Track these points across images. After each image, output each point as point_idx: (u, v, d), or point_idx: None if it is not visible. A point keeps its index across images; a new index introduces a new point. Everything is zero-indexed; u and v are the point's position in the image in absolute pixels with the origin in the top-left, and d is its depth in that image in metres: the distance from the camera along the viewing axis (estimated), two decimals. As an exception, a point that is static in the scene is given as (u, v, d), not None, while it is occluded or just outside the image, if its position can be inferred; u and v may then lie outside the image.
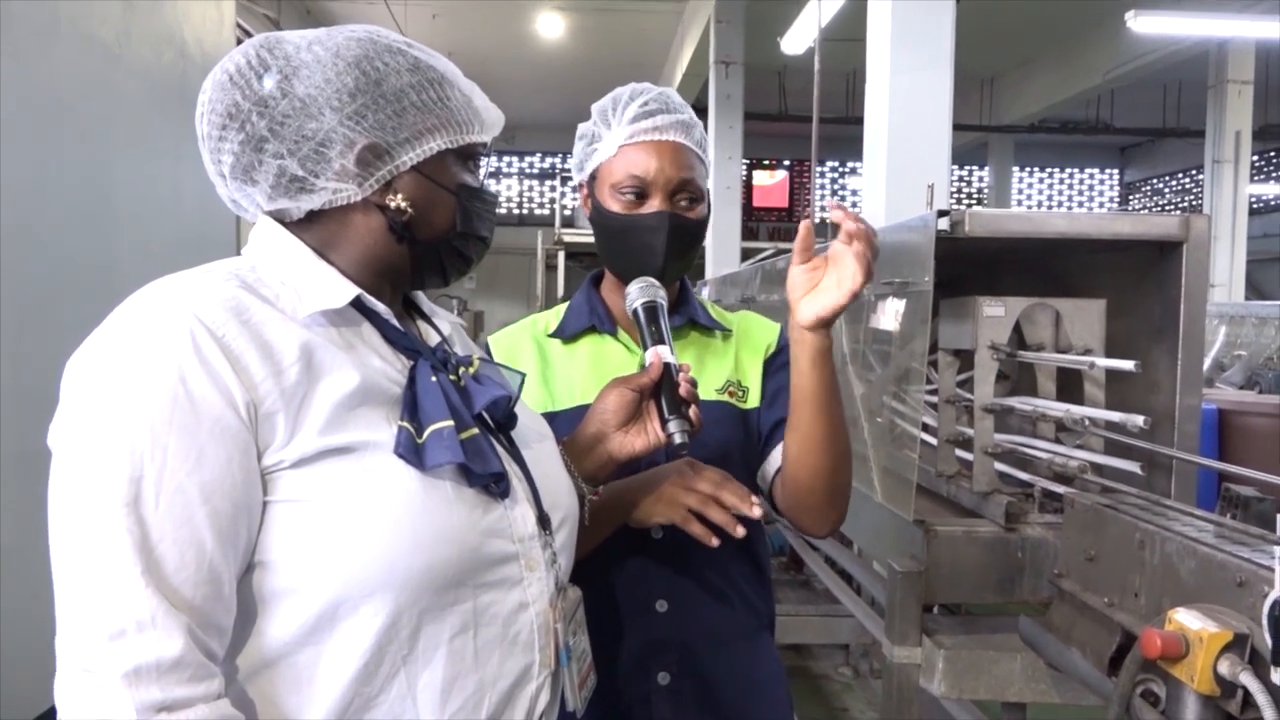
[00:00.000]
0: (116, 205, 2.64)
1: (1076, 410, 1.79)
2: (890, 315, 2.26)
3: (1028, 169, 19.14)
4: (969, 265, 2.43)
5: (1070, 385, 2.07)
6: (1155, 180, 19.12)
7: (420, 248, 0.95)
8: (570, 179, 16.49)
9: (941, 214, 1.86)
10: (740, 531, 1.11)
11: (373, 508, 0.80)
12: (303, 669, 0.81)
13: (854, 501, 2.40)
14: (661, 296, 1.24)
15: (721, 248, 9.60)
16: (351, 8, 11.90)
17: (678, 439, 1.10)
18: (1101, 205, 19.66)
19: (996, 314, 1.94)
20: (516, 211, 20.25)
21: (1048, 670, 1.81)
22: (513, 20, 12.03)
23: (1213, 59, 10.42)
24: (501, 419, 0.98)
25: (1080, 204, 19.66)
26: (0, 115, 2.16)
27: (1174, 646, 1.24)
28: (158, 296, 0.80)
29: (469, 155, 0.98)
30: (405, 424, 0.84)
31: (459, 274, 1.02)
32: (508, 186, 20.24)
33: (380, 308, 0.92)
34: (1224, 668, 1.21)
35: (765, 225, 17.89)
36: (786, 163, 18.64)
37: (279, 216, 0.93)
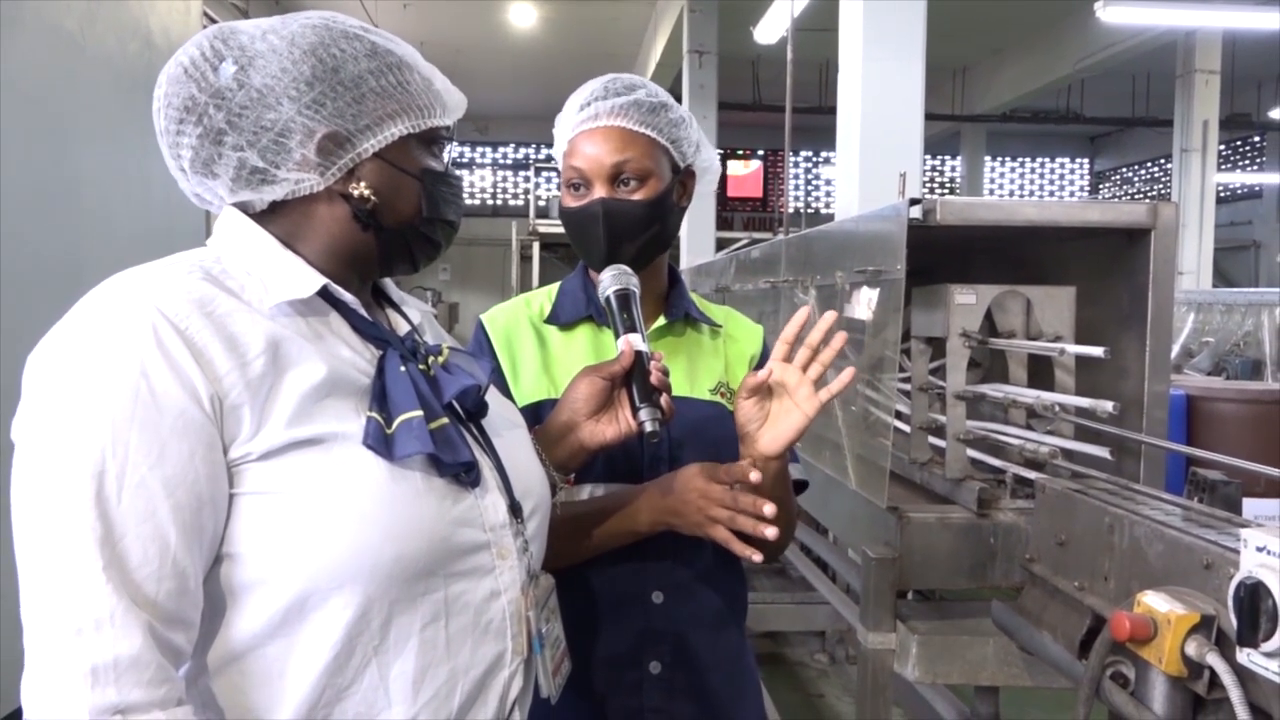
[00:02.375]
0: (82, 198, 2.60)
1: (1047, 396, 1.81)
2: (864, 305, 2.28)
3: (999, 158, 19.29)
4: (941, 254, 2.45)
5: (1042, 372, 2.09)
6: (1124, 169, 19.33)
7: (387, 234, 0.94)
8: (543, 169, 16.49)
9: (914, 202, 1.88)
10: (772, 533, 1.11)
11: (341, 499, 0.80)
12: (273, 662, 0.81)
13: (828, 489, 2.41)
14: (634, 284, 1.24)
15: (696, 238, 9.60)
16: (319, 3, 11.77)
17: (649, 427, 1.10)
18: (1072, 194, 19.85)
19: (968, 301, 1.95)
20: (490, 202, 20.15)
21: (1020, 654, 1.83)
22: (485, 10, 11.95)
23: (1180, 49, 10.53)
24: (472, 408, 0.98)
25: (1051, 193, 19.83)
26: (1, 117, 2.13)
27: (1142, 629, 1.26)
28: (120, 290, 0.80)
29: (432, 139, 0.97)
30: (374, 414, 0.84)
31: (428, 260, 1.01)
32: (481, 177, 20.13)
33: (348, 297, 0.92)
34: (1191, 649, 1.23)
35: (740, 215, 17.90)
36: (761, 153, 18.67)
37: (243, 207, 0.92)
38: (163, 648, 0.74)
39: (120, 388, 0.75)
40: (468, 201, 20.65)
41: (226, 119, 0.87)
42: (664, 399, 1.11)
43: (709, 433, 1.32)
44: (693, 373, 1.36)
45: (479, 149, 19.94)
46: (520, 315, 1.39)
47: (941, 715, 2.22)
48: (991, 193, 18.76)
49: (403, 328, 1.02)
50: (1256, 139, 16.64)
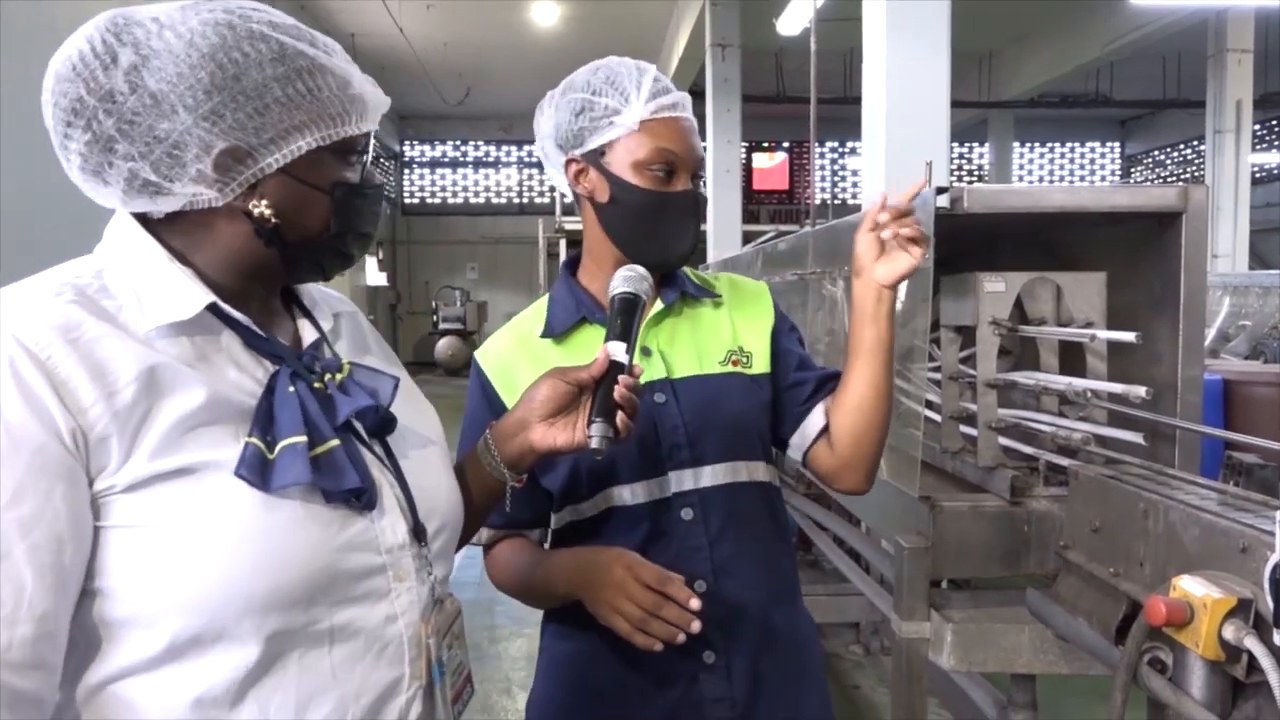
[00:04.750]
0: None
1: (1078, 383, 1.80)
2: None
3: (1028, 144, 19.09)
4: (969, 242, 2.44)
5: (1073, 359, 2.08)
6: (1157, 152, 19.05)
7: (292, 250, 0.89)
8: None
9: (940, 191, 1.87)
10: (688, 633, 1.10)
11: (209, 532, 0.77)
12: (146, 697, 0.78)
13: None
14: (646, 292, 1.18)
15: (722, 231, 9.60)
16: (345, 3, 11.86)
17: (594, 443, 1.04)
18: (1103, 179, 19.61)
19: (997, 289, 1.95)
20: (516, 200, 20.25)
21: (1056, 641, 1.83)
22: (507, 9, 12.01)
23: (1212, 28, 10.37)
24: (371, 427, 0.93)
25: (1081, 178, 19.61)
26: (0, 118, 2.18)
27: (1178, 613, 1.26)
28: None
29: (347, 149, 0.90)
30: (254, 440, 0.80)
31: (341, 269, 0.95)
32: (507, 175, 20.23)
33: (238, 316, 0.86)
34: (1228, 633, 1.22)
35: (766, 208, 17.86)
36: (786, 144, 18.60)
37: (141, 213, 0.87)
38: (10, 699, 0.71)
39: None
40: (494, 200, 20.89)
41: (117, 126, 0.81)
42: (621, 418, 1.05)
43: (725, 405, 1.30)
44: (700, 349, 1.34)
45: (504, 147, 20.03)
46: (513, 344, 1.37)
47: (978, 704, 2.21)
48: (1020, 179, 18.56)
49: (314, 335, 0.97)
50: (1293, 118, 16.33)
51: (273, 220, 0.86)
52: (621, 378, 1.07)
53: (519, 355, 1.35)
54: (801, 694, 1.34)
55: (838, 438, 1.33)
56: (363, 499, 0.86)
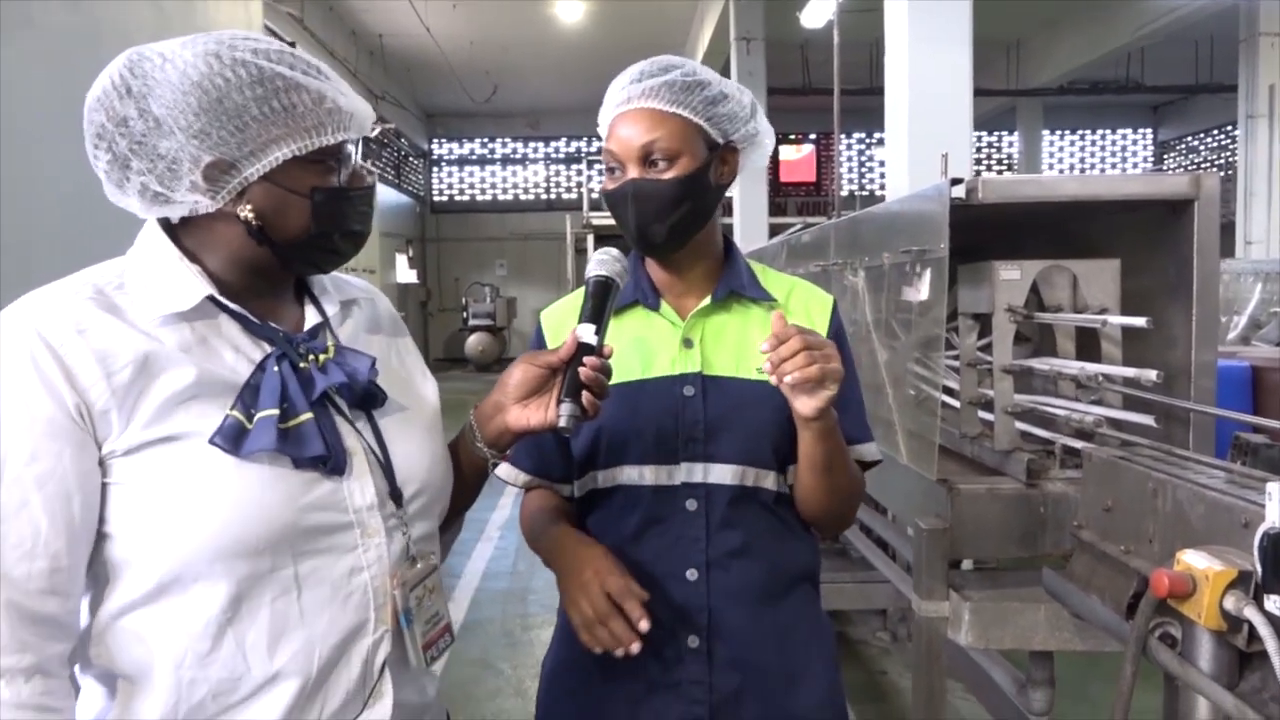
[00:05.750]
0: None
1: (1091, 367, 1.85)
2: (924, 286, 2.34)
3: (1058, 132, 18.90)
4: (985, 232, 2.48)
5: (1090, 345, 2.12)
6: (1190, 138, 18.79)
7: (281, 248, 1.01)
8: (595, 162, 16.53)
9: (955, 182, 1.92)
10: (635, 648, 1.14)
11: (185, 490, 0.92)
12: (143, 628, 0.94)
13: (884, 466, 2.48)
14: (618, 273, 1.23)
15: (749, 223, 9.63)
16: (373, 4, 12.01)
17: (562, 422, 1.11)
18: (1135, 165, 19.38)
19: (1013, 277, 2.00)
20: (544, 197, 20.36)
21: (1071, 619, 1.88)
22: (532, 7, 12.09)
23: (1244, 11, 10.22)
24: (353, 401, 1.06)
25: (1113, 165, 19.39)
26: (41, 120, 2.26)
27: (1181, 585, 1.31)
28: (13, 316, 0.93)
29: (326, 157, 1.00)
30: (234, 412, 0.94)
31: (336, 263, 1.08)
32: (534, 172, 20.34)
33: (234, 307, 1.01)
34: (1229, 603, 1.27)
35: (793, 200, 17.84)
36: (813, 136, 18.56)
37: (164, 219, 1.02)
38: (25, 619, 0.89)
39: (1, 404, 0.89)
40: (522, 197, 20.92)
41: (129, 147, 0.96)
42: (586, 398, 1.11)
43: (750, 414, 1.32)
44: (741, 351, 1.35)
45: (531, 144, 20.14)
46: (571, 308, 1.42)
47: (998, 682, 2.26)
48: (1050, 168, 18.40)
49: (316, 320, 1.09)
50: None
51: (257, 223, 0.99)
52: (588, 359, 1.12)
53: (572, 320, 1.39)
54: (794, 693, 1.35)
55: (798, 501, 1.36)
56: (328, 464, 0.98)
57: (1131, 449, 1.75)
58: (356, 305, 1.18)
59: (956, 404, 2.29)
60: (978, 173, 4.29)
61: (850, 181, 19.57)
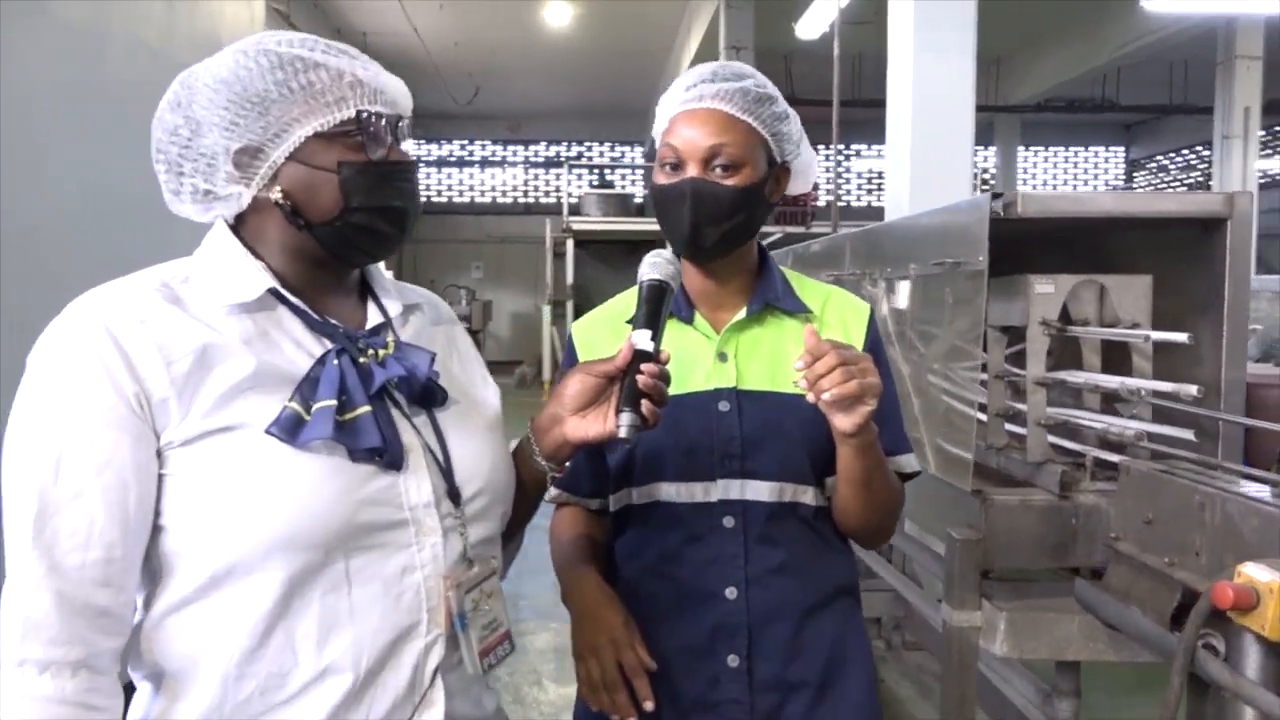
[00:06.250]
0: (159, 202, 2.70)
1: (1131, 382, 1.88)
2: (901, 297, 2.38)
3: (1033, 148, 19.17)
4: (1004, 245, 2.51)
5: (1113, 359, 2.15)
6: (1160, 157, 19.15)
7: (320, 230, 1.00)
8: (575, 166, 16.47)
9: (995, 196, 1.94)
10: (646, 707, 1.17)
11: (240, 480, 0.91)
12: (196, 621, 0.94)
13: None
14: (674, 278, 1.19)
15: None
16: (360, 3, 11.93)
17: (622, 432, 1.07)
18: (1106, 184, 19.70)
19: (1047, 291, 2.02)
20: (522, 200, 20.32)
21: (1104, 630, 1.90)
22: (520, 10, 12.07)
23: (1221, 35, 10.44)
24: (412, 397, 1.04)
25: (1085, 182, 19.69)
26: (51, 114, 2.23)
27: (1245, 598, 1.33)
28: (79, 309, 0.94)
29: (357, 131, 0.99)
30: (291, 404, 0.93)
31: (383, 247, 1.06)
32: (513, 175, 20.30)
33: (294, 300, 1.01)
34: (1294, 616, 1.29)
35: (775, 209, 17.91)
36: (791, 146, 18.67)
37: (229, 218, 1.04)
38: (76, 610, 0.88)
39: (62, 392, 0.90)
40: (499, 200, 20.90)
41: (179, 153, 1.00)
42: (647, 406, 1.08)
43: (786, 428, 1.29)
44: (776, 364, 1.32)
45: (510, 147, 20.10)
46: (603, 323, 1.41)
47: (1010, 698, 2.28)
48: (1024, 183, 18.64)
49: (378, 320, 1.09)
50: (1295, 125, 16.42)
51: (288, 204, 0.99)
52: (646, 366, 1.09)
53: (605, 334, 1.39)
54: (834, 708, 1.32)
55: (836, 516, 1.34)
56: (384, 458, 0.97)
57: (1171, 462, 1.77)
58: (419, 309, 1.18)
59: (982, 416, 2.31)
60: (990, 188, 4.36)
61: (829, 192, 19.69)
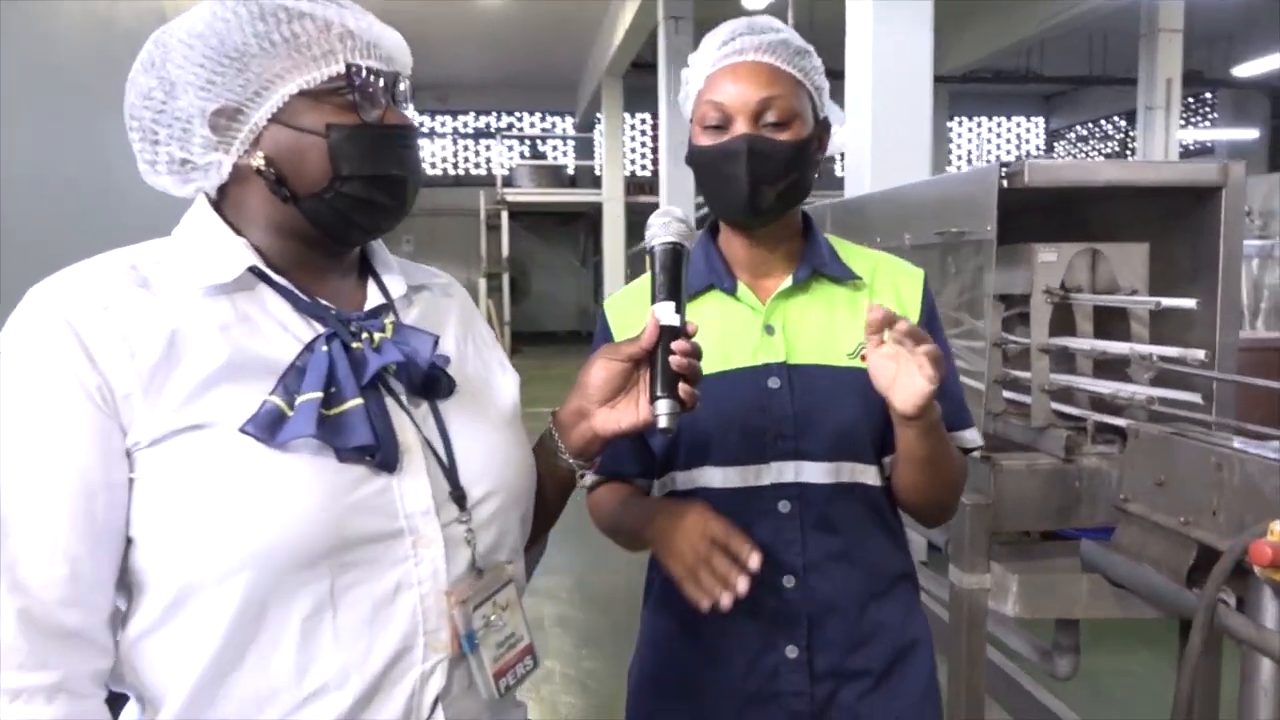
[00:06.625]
0: (117, 178, 2.59)
1: (1142, 348, 1.93)
2: None
3: (957, 118, 19.55)
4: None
5: (1106, 325, 2.21)
6: (1079, 127, 19.72)
7: (309, 203, 0.89)
8: (507, 137, 16.15)
9: (1003, 165, 1.97)
10: (743, 587, 1.02)
11: (212, 485, 0.80)
12: (165, 643, 0.83)
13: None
14: (685, 236, 1.06)
15: (677, 205, 9.63)
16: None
17: (662, 422, 0.96)
18: (1028, 154, 20.21)
19: (1050, 260, 2.06)
20: (452, 172, 19.99)
21: (1110, 588, 1.96)
22: (451, -25, 11.78)
23: (1145, 8, 10.73)
24: (414, 386, 0.92)
25: (1008, 152, 20.17)
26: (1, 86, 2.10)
27: (1283, 554, 1.38)
28: (35, 300, 0.84)
29: (348, 89, 0.88)
30: (273, 397, 0.83)
31: (381, 222, 0.93)
32: (441, 146, 19.94)
33: (279, 280, 0.90)
34: (1328, 570, 1.35)
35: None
36: (724, 117, 18.72)
37: (210, 194, 0.93)
38: (45, 632, 0.77)
39: (17, 390, 0.80)
40: (429, 172, 20.51)
41: (154, 118, 0.89)
42: (683, 389, 0.97)
43: (842, 404, 1.22)
44: (828, 336, 1.25)
45: (438, 118, 19.72)
46: (637, 293, 1.32)
47: (1020, 652, 2.35)
48: (954, 153, 19.02)
49: (379, 301, 0.98)
50: (1208, 95, 17.07)
51: (272, 171, 0.88)
52: (677, 344, 0.98)
53: (640, 309, 1.23)
54: (896, 696, 1.27)
55: (897, 494, 1.28)
56: (376, 457, 0.85)
57: (1179, 425, 1.83)
58: (427, 290, 1.06)
59: (980, 386, 2.35)
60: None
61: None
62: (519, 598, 0.97)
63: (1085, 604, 1.98)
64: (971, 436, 1.32)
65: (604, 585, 4.53)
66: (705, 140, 1.21)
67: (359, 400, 0.85)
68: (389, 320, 0.94)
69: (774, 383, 1.23)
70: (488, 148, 19.58)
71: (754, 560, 1.04)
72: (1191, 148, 17.39)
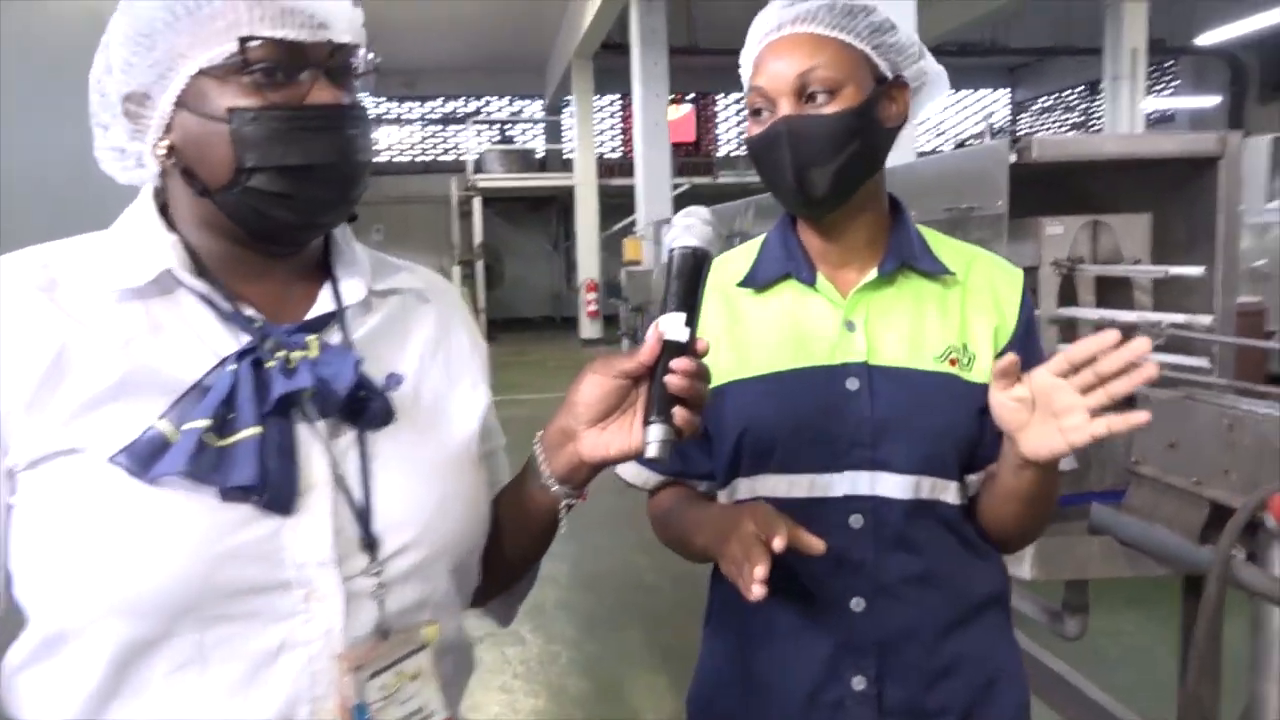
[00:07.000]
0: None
1: (1151, 316, 2.00)
2: None
3: (925, 91, 19.69)
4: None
5: (1107, 295, 2.27)
6: (1043, 98, 19.92)
7: (221, 197, 0.79)
8: (478, 123, 15.93)
9: (1014, 140, 2.02)
10: (761, 590, 0.89)
11: (74, 520, 0.72)
12: (34, 688, 0.77)
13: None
14: (711, 241, 0.91)
15: (653, 189, 9.66)
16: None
17: (651, 451, 0.82)
18: (993, 126, 20.37)
19: (1057, 232, 2.12)
20: (421, 159, 19.85)
21: (1120, 549, 2.03)
22: (418, -41, 11.67)
23: (1109, -21, 10.87)
24: (331, 414, 0.80)
25: (975, 124, 20.34)
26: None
27: (1304, 508, 1.45)
28: None
29: (259, 68, 0.76)
30: (161, 423, 0.73)
31: (318, 215, 0.82)
32: (410, 133, 19.79)
33: (194, 284, 0.80)
34: (1346, 524, 1.42)
35: (675, 160, 18.04)
36: (690, 96, 18.73)
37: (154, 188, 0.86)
38: None
39: None
40: (397, 159, 20.34)
41: (99, 103, 0.83)
42: (681, 414, 0.82)
43: (928, 412, 1.11)
44: (915, 337, 1.13)
45: (406, 104, 19.56)
46: (709, 283, 1.20)
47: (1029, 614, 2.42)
48: (920, 124, 19.14)
49: (328, 309, 0.86)
50: (1169, 64, 17.31)
51: (174, 163, 0.79)
52: (678, 362, 0.83)
53: (713, 300, 1.18)
54: None
55: (983, 520, 1.16)
56: (264, 497, 0.74)
57: (1189, 389, 1.90)
58: (396, 296, 0.92)
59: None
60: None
61: (729, 141, 19.88)
62: (436, 666, 0.83)
63: (1098, 564, 2.05)
64: (1068, 460, 1.23)
65: (600, 569, 4.56)
66: (753, 130, 1.13)
67: (256, 429, 0.75)
68: (313, 338, 0.81)
69: (853, 384, 1.12)
70: (456, 133, 19.46)
71: (816, 546, 0.93)
72: (1152, 117, 17.64)
